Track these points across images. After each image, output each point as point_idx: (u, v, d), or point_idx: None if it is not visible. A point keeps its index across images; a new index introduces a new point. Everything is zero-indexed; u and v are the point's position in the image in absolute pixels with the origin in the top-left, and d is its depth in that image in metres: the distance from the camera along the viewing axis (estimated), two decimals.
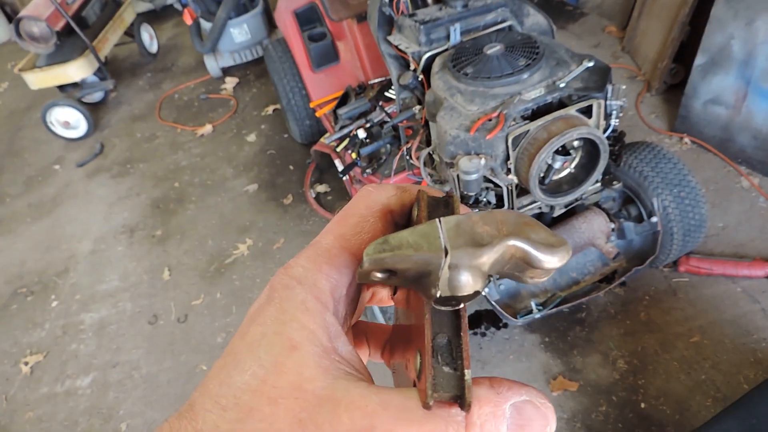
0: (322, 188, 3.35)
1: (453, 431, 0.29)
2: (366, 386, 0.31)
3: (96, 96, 4.65)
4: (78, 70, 4.14)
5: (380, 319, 2.14)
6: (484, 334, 2.39)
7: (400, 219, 0.39)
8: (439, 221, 0.32)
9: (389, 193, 0.39)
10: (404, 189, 0.39)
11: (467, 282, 0.32)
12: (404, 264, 0.32)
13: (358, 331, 0.47)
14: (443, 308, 0.33)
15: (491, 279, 2.07)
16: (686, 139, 3.01)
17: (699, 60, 2.82)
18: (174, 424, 0.32)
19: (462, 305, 0.33)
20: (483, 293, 2.02)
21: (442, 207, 0.37)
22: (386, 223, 0.39)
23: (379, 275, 0.33)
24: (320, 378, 0.31)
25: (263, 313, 0.34)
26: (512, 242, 0.31)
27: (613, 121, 1.87)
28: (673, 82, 3.30)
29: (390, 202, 0.39)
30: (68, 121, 4.22)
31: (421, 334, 0.33)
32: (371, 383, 0.33)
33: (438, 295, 0.32)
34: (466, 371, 0.31)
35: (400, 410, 0.30)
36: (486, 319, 2.43)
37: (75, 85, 4.33)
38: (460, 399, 0.30)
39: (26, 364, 2.79)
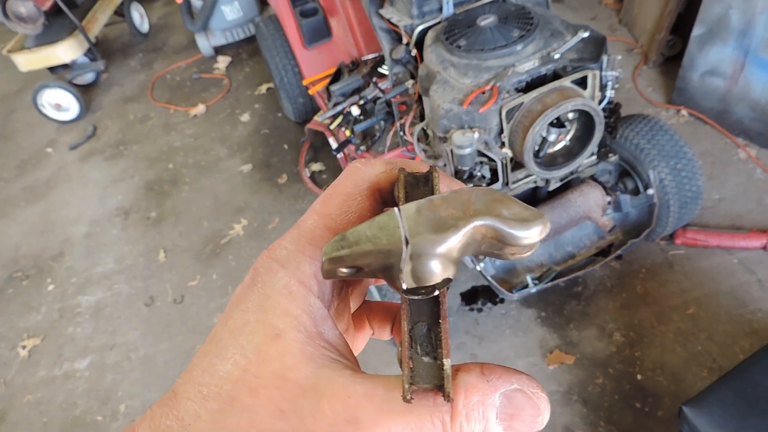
0: (317, 167, 3.33)
1: (438, 421, 0.29)
2: (351, 374, 0.31)
3: (87, 77, 4.60)
4: (67, 50, 4.08)
5: (376, 297, 2.14)
6: (480, 310, 2.39)
7: (390, 196, 0.38)
8: (398, 210, 0.31)
9: (378, 169, 0.37)
10: (394, 164, 0.38)
11: (434, 270, 0.30)
12: (365, 259, 0.31)
13: (359, 312, 0.46)
14: (416, 297, 0.32)
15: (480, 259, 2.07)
16: (683, 112, 2.98)
17: (696, 31, 2.79)
18: (156, 412, 0.32)
19: (437, 292, 0.31)
20: (478, 268, 2.01)
21: (421, 185, 0.36)
22: (374, 201, 0.37)
23: (344, 271, 0.32)
24: (304, 366, 0.31)
25: (246, 299, 0.34)
26: (480, 222, 0.30)
27: (609, 93, 1.85)
28: (671, 54, 3.27)
29: (379, 179, 0.37)
30: (59, 103, 4.17)
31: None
32: (358, 370, 0.32)
33: (404, 287, 0.31)
34: (445, 360, 0.30)
35: (384, 401, 0.29)
36: (482, 295, 2.43)
37: (65, 66, 4.28)
38: (441, 389, 0.29)
39: (24, 347, 2.79)
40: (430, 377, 0.30)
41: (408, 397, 0.28)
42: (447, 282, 0.31)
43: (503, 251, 0.32)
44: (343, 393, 0.29)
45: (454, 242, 0.30)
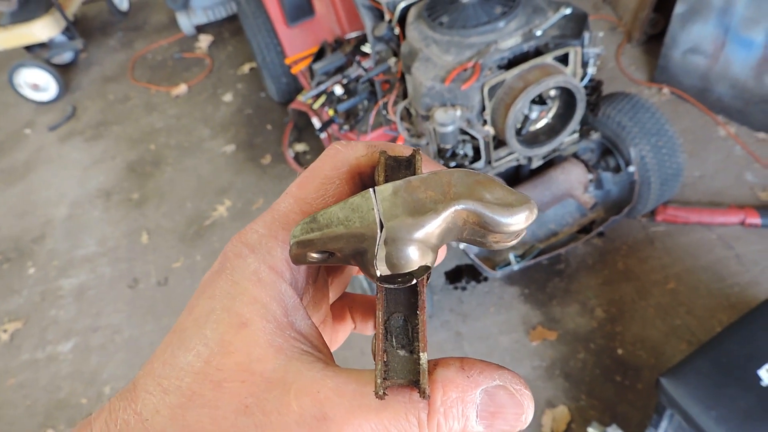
0: (300, 147, 3.31)
1: (414, 419, 0.27)
2: (321, 368, 0.29)
3: (66, 57, 4.51)
4: (44, 28, 3.99)
5: (367, 290, 2.14)
6: (464, 288, 2.40)
7: (371, 182, 0.36)
8: (373, 191, 0.29)
9: (359, 152, 0.35)
10: (376, 147, 0.36)
11: (410, 257, 0.28)
12: (336, 244, 0.29)
13: (341, 304, 0.45)
14: (391, 286, 0.30)
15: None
16: (665, 90, 3.00)
17: (679, 8, 2.79)
18: (114, 405, 0.30)
19: (415, 281, 0.29)
20: (461, 246, 2.02)
21: (403, 169, 0.34)
22: (354, 185, 0.35)
23: (315, 256, 0.30)
24: (271, 358, 0.29)
25: (213, 285, 0.32)
26: (462, 206, 0.28)
27: (590, 70, 1.85)
28: (654, 33, 3.27)
29: (360, 162, 0.35)
30: (37, 83, 4.09)
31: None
32: (330, 364, 0.30)
33: (378, 275, 0.29)
34: (421, 354, 0.28)
35: (356, 397, 0.27)
36: (466, 274, 2.45)
37: (43, 45, 4.19)
38: (417, 384, 0.27)
39: (5, 331, 2.76)
40: (406, 372, 0.28)
41: (380, 393, 0.27)
42: (425, 270, 0.29)
43: (486, 239, 0.30)
44: (312, 388, 0.28)
45: (432, 227, 0.28)
